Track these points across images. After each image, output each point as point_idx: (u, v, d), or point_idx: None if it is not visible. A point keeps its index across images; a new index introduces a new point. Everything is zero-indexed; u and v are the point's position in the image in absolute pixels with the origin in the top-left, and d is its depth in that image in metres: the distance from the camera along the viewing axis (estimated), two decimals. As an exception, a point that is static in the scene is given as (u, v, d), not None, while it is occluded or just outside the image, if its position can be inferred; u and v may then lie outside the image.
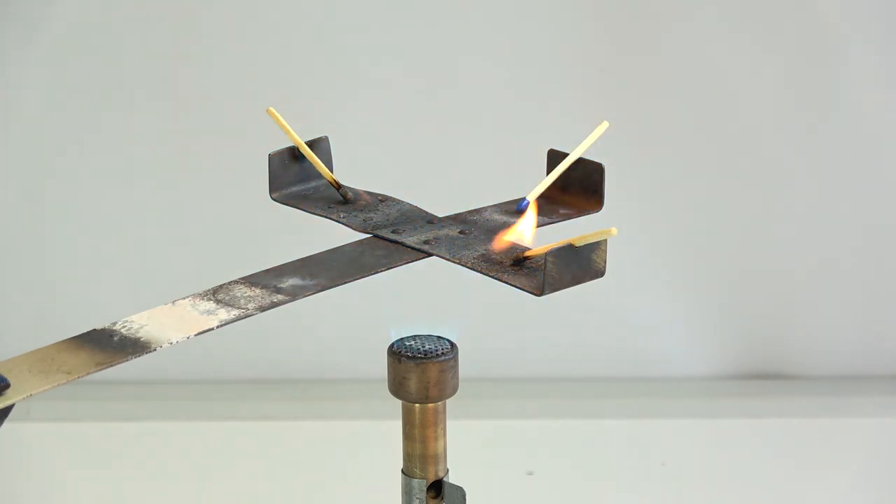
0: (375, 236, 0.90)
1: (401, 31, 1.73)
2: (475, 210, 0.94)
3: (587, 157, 0.94)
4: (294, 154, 0.96)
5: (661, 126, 1.76)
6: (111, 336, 0.77)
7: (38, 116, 1.76)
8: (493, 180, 1.71)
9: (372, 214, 0.94)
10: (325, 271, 0.85)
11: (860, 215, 1.79)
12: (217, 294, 0.82)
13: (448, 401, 0.89)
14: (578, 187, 0.94)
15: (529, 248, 0.85)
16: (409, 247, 0.88)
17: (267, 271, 0.85)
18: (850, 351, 1.83)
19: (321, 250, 0.87)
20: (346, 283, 0.84)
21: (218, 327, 0.79)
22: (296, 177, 0.97)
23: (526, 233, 0.88)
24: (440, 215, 0.93)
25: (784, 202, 1.79)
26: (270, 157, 0.96)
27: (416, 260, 0.88)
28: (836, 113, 1.75)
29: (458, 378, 0.88)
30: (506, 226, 0.92)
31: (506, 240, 0.87)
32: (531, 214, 0.90)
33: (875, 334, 1.83)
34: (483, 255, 0.86)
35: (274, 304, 0.81)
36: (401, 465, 0.90)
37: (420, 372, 0.87)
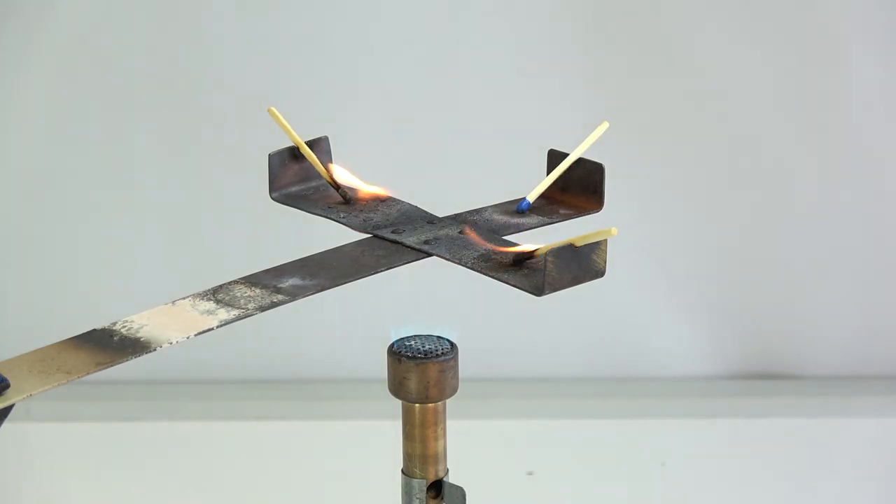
0: (375, 236, 0.90)
1: (401, 31, 1.73)
2: (475, 210, 0.94)
3: (587, 157, 0.94)
4: (294, 154, 0.96)
5: (660, 126, 1.76)
6: (111, 336, 0.77)
7: (39, 116, 1.76)
8: (493, 180, 1.71)
9: (372, 214, 0.93)
10: (325, 271, 0.85)
11: (860, 215, 1.79)
12: (217, 294, 0.82)
13: (448, 401, 0.89)
14: (578, 187, 0.94)
15: (530, 249, 0.84)
16: (409, 247, 0.88)
17: (267, 271, 0.85)
18: (850, 351, 1.83)
19: (321, 250, 0.87)
20: (346, 283, 0.84)
21: (218, 327, 0.79)
22: (296, 177, 0.97)
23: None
24: (440, 215, 0.93)
25: (784, 202, 1.79)
26: (270, 157, 0.96)
27: (416, 260, 0.88)
28: (836, 113, 1.75)
29: (458, 378, 0.88)
30: (506, 226, 0.92)
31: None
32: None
33: (875, 334, 1.83)
34: (483, 255, 0.86)
35: (274, 304, 0.81)
36: (401, 465, 0.90)
37: (420, 372, 0.87)
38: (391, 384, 0.88)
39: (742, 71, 1.74)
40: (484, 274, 0.84)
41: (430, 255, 0.88)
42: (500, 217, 0.93)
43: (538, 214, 0.93)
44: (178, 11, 1.72)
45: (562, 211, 0.94)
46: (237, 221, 1.78)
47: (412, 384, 0.87)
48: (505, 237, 0.89)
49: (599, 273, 0.81)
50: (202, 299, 0.81)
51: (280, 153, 0.96)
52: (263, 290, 0.82)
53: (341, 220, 0.93)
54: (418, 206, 0.94)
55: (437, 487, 0.90)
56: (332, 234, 0.92)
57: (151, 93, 1.75)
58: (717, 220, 1.80)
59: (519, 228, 0.92)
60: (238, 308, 0.80)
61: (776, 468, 1.65)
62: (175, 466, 1.65)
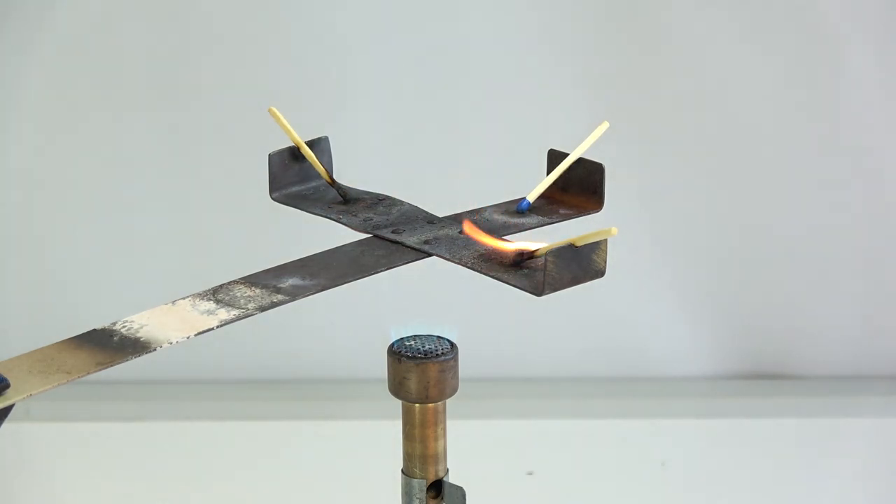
0: (375, 236, 0.90)
1: (401, 32, 1.73)
2: (475, 210, 0.94)
3: (587, 157, 0.94)
4: (294, 154, 0.96)
5: (661, 126, 1.76)
6: (111, 336, 0.77)
7: (39, 116, 1.76)
8: (493, 180, 1.71)
9: (372, 214, 0.94)
10: (325, 271, 0.85)
11: (860, 215, 1.79)
12: (217, 294, 0.82)
13: (448, 401, 0.89)
14: (578, 187, 0.94)
15: (530, 249, 0.84)
16: (409, 247, 0.88)
17: (267, 271, 0.85)
18: (850, 351, 1.83)
19: (321, 250, 0.87)
20: (346, 283, 0.84)
21: (218, 327, 0.79)
22: (296, 177, 0.97)
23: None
24: (440, 215, 0.93)
25: (784, 202, 1.79)
26: (270, 157, 0.96)
27: (416, 260, 0.88)
28: (836, 113, 1.75)
29: (458, 378, 0.88)
30: (506, 226, 0.92)
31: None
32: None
33: (875, 334, 1.83)
34: (483, 255, 0.86)
35: (274, 304, 0.81)
36: (401, 465, 0.90)
37: (420, 372, 0.87)
38: (391, 384, 0.88)
39: (742, 71, 1.74)
40: (484, 274, 0.84)
41: (430, 255, 0.88)
42: (500, 217, 0.93)
43: (538, 214, 0.93)
44: (178, 11, 1.72)
45: (562, 211, 0.94)
46: (237, 221, 1.78)
47: (412, 384, 0.87)
48: (504, 237, 0.89)
49: (599, 273, 0.81)
50: (202, 299, 0.81)
51: (280, 153, 0.96)
52: (263, 290, 0.82)
53: (341, 220, 0.93)
54: (418, 206, 0.94)
55: (437, 487, 0.90)
56: (332, 234, 0.92)
57: (151, 93, 1.75)
58: (717, 220, 1.80)
59: (519, 228, 0.92)
60: (238, 308, 0.80)
61: (776, 468, 1.65)
62: (175, 466, 1.65)
